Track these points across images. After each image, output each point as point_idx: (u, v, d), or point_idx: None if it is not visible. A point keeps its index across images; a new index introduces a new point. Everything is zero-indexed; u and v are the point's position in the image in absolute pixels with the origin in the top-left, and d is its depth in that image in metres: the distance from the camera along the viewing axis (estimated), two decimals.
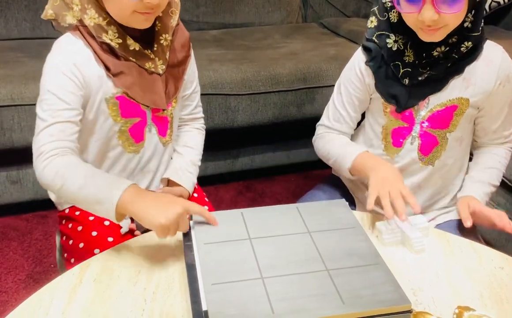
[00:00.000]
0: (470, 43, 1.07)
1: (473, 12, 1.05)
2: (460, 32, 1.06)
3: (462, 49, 1.08)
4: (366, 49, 1.15)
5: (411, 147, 1.16)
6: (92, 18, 1.01)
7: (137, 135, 1.11)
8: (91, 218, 1.12)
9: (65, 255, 1.11)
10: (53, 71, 1.02)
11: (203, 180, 1.34)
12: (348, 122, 1.22)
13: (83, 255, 1.06)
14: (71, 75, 1.01)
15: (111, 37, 1.02)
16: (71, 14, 1.02)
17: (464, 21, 1.05)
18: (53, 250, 1.78)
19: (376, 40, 1.12)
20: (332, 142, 1.22)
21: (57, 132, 0.99)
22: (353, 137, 1.28)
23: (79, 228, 1.12)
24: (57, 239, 1.24)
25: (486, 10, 2.55)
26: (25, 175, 1.90)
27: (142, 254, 0.93)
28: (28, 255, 1.79)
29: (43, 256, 1.79)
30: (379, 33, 1.12)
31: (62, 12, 1.03)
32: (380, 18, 1.12)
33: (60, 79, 1.01)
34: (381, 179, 1.04)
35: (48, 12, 1.04)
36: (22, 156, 1.67)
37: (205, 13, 2.50)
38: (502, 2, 2.57)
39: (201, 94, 1.29)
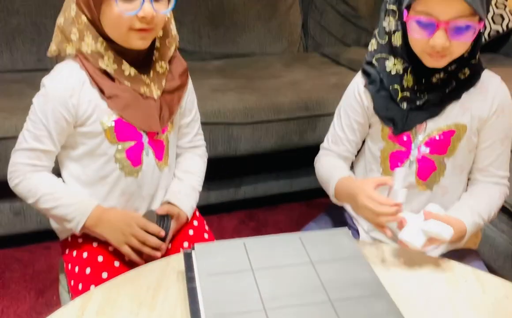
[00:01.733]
0: (468, 71, 1.09)
1: (471, 43, 1.07)
2: (459, 61, 1.08)
3: (460, 76, 1.09)
4: (365, 73, 1.16)
5: (408, 171, 1.16)
6: (89, 45, 1.04)
7: (134, 158, 1.12)
8: (94, 244, 1.14)
9: (72, 282, 1.11)
10: (43, 98, 1.05)
11: (205, 209, 1.34)
12: (346, 144, 1.23)
13: (90, 280, 1.07)
14: (60, 107, 1.04)
15: (106, 63, 1.05)
16: (71, 45, 1.05)
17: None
18: (56, 282, 1.77)
19: (375, 63, 1.14)
20: (322, 166, 1.24)
21: (34, 157, 1.07)
22: (354, 163, 1.29)
23: (84, 254, 1.13)
24: (60, 270, 1.23)
25: (485, 38, 2.57)
26: (28, 206, 1.86)
27: (144, 285, 0.93)
28: (31, 287, 1.78)
29: (45, 287, 1.78)
30: (378, 56, 1.13)
31: (63, 45, 1.06)
32: (379, 41, 1.13)
33: (48, 107, 1.04)
34: (359, 207, 1.05)
35: (52, 48, 1.08)
36: None
37: (208, 44, 2.52)
38: (501, 30, 2.60)
39: (204, 123, 1.31)
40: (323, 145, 1.28)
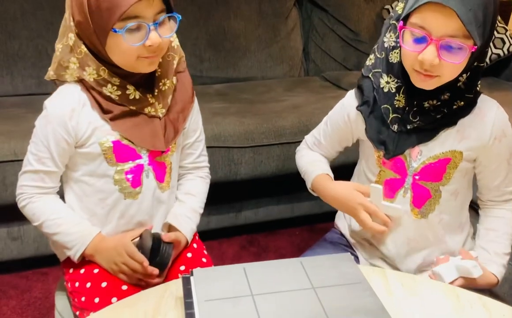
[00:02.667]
0: (462, 103, 1.07)
1: (468, 74, 1.05)
2: (453, 91, 1.06)
3: (454, 107, 1.07)
4: (360, 89, 1.15)
5: (403, 199, 1.14)
6: (91, 74, 1.04)
7: (134, 180, 1.11)
8: (96, 270, 1.12)
9: (76, 300, 1.11)
10: (44, 120, 1.07)
11: (206, 234, 1.32)
12: (324, 151, 1.29)
13: (92, 294, 1.08)
14: (60, 129, 1.05)
15: (110, 90, 1.05)
16: (69, 73, 1.05)
17: (458, 80, 1.05)
18: (52, 309, 1.74)
19: (371, 78, 1.12)
20: (304, 157, 1.30)
21: (38, 179, 1.09)
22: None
23: (82, 271, 1.12)
24: (56, 298, 1.21)
25: (486, 62, 2.57)
26: (26, 231, 1.87)
27: (142, 310, 0.90)
28: (27, 314, 1.74)
29: (42, 315, 1.75)
30: (375, 71, 1.12)
31: (60, 72, 1.06)
32: (378, 55, 1.12)
33: (49, 129, 1.05)
34: (346, 209, 1.17)
35: (50, 73, 1.09)
36: None
37: (209, 68, 2.53)
38: (502, 54, 2.60)
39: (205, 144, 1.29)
40: (307, 139, 1.32)
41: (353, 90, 1.19)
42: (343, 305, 0.84)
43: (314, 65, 2.75)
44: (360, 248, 1.26)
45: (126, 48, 0.99)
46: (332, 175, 1.23)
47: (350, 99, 1.19)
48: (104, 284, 1.09)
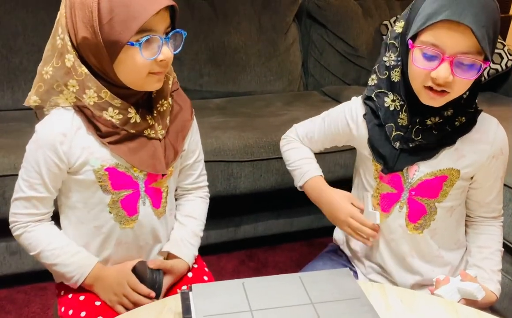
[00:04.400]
0: (464, 118, 1.08)
1: (469, 90, 1.06)
2: (456, 107, 1.06)
3: (456, 123, 1.08)
4: (366, 105, 1.15)
5: (399, 213, 1.15)
6: (91, 97, 0.99)
7: (129, 208, 1.09)
8: (97, 302, 1.10)
9: None
10: (35, 145, 1.02)
11: (205, 249, 1.31)
12: (314, 146, 1.30)
13: None
14: (51, 154, 1.01)
15: (111, 114, 1.01)
16: (64, 97, 1.01)
17: (461, 97, 1.05)
18: None
19: (375, 99, 1.12)
20: (294, 150, 1.30)
21: (31, 206, 1.06)
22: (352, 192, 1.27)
23: (81, 298, 1.10)
24: (54, 313, 1.20)
25: (484, 77, 2.59)
26: None
27: None
28: None
29: None
30: (378, 91, 1.12)
31: (50, 97, 1.01)
32: (380, 76, 1.12)
33: (40, 155, 1.02)
34: (338, 221, 1.18)
35: (31, 98, 1.03)
36: None
37: (208, 82, 2.54)
38: (500, 69, 2.62)
39: (204, 161, 1.28)
40: (298, 130, 1.33)
41: (359, 97, 1.18)
42: None
43: (313, 79, 2.77)
44: (358, 263, 1.26)
45: (139, 62, 0.96)
46: (321, 171, 1.26)
47: (356, 104, 1.18)
48: (98, 303, 1.07)
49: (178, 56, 1.16)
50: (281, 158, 1.99)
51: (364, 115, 1.15)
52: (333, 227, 1.34)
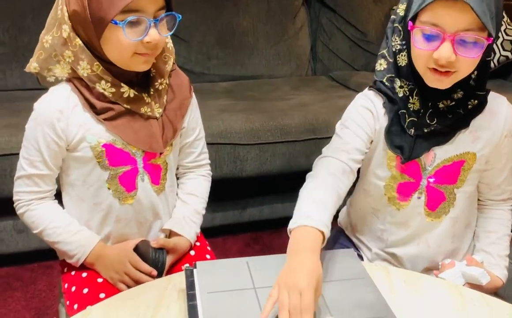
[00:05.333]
0: (476, 101, 1.06)
1: (478, 70, 1.04)
2: (465, 89, 1.05)
3: (469, 106, 1.06)
4: (381, 92, 1.09)
5: (417, 202, 1.13)
6: (85, 68, 1.00)
7: (128, 184, 1.10)
8: (99, 280, 1.11)
9: (68, 302, 1.09)
10: (34, 122, 1.04)
11: (210, 231, 1.31)
12: (355, 153, 1.09)
13: (87, 300, 1.04)
14: (49, 130, 1.02)
15: (104, 87, 1.01)
16: (60, 67, 1.02)
17: (469, 77, 1.04)
18: (56, 302, 1.75)
19: (387, 83, 1.09)
20: (306, 189, 1.06)
21: (32, 184, 1.07)
22: (353, 195, 1.25)
23: (84, 274, 1.11)
24: (59, 291, 1.21)
25: (494, 64, 2.56)
26: None
27: (144, 303, 0.91)
28: (31, 306, 1.76)
29: (46, 307, 1.75)
30: (389, 76, 1.09)
31: (49, 65, 1.02)
32: (390, 60, 1.09)
33: (38, 131, 1.03)
34: (287, 277, 0.84)
35: (32, 65, 1.04)
36: None
37: (216, 65, 2.53)
38: (510, 56, 2.59)
39: (210, 144, 1.28)
40: (325, 153, 1.11)
41: (365, 92, 1.14)
42: (345, 299, 0.84)
43: (322, 64, 2.75)
44: (364, 248, 1.25)
45: (123, 42, 0.96)
46: (328, 231, 0.95)
47: (369, 97, 1.12)
48: (102, 295, 1.07)
49: (186, 39, 1.16)
50: (288, 142, 2.02)
51: (384, 104, 1.10)
52: (337, 214, 1.32)
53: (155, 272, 1.10)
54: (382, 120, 1.10)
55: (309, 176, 1.09)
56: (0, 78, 2.26)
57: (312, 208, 0.97)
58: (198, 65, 2.49)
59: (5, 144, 1.76)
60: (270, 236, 2.22)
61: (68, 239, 1.09)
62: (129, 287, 1.08)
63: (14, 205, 1.11)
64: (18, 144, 1.74)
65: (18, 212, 1.11)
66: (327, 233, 0.93)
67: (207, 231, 1.27)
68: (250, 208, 2.16)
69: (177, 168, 1.23)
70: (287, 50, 2.64)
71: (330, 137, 1.21)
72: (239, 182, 2.03)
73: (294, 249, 0.92)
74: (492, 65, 1.04)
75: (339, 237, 1.30)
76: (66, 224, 1.10)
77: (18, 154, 1.73)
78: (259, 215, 2.18)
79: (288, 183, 2.15)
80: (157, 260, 1.11)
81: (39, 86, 2.39)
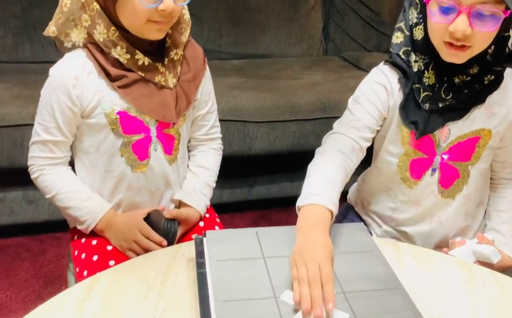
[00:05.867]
0: (493, 76, 1.04)
1: (495, 45, 1.02)
2: (481, 64, 1.03)
3: (485, 82, 1.04)
4: (397, 66, 1.08)
5: (431, 179, 1.12)
6: (101, 33, 1.01)
7: (141, 152, 1.10)
8: (109, 247, 1.12)
9: (77, 269, 1.10)
10: (49, 88, 1.04)
11: (218, 208, 1.31)
12: (366, 131, 1.08)
13: (96, 267, 1.05)
14: (63, 97, 1.02)
15: (119, 52, 1.02)
16: (77, 31, 1.02)
17: (486, 52, 1.02)
18: (65, 272, 1.76)
19: (403, 57, 1.07)
20: (314, 165, 1.04)
21: (47, 150, 1.08)
22: (367, 173, 1.24)
23: (94, 242, 1.12)
24: (68, 259, 1.22)
25: (509, 48, 2.53)
26: (42, 195, 1.87)
27: (153, 270, 0.91)
28: (40, 275, 1.77)
29: (54, 277, 1.77)
30: (405, 49, 1.07)
31: (66, 29, 1.03)
32: (406, 33, 1.08)
33: (53, 99, 1.03)
34: (302, 251, 0.84)
35: (50, 28, 1.04)
36: None
37: (228, 43, 2.52)
38: None
39: (220, 120, 1.27)
40: (336, 129, 1.10)
41: (379, 66, 1.12)
42: (355, 271, 0.84)
43: (334, 45, 2.73)
44: (373, 225, 1.25)
45: (138, 7, 0.96)
46: (336, 209, 0.94)
47: (384, 71, 1.10)
48: (111, 262, 1.07)
49: (197, 15, 1.15)
50: (298, 120, 2.01)
51: (399, 79, 1.08)
52: (347, 191, 1.32)
53: (165, 242, 1.10)
54: (396, 96, 1.09)
55: (318, 152, 1.09)
56: (11, 50, 2.26)
57: (321, 186, 0.97)
58: (209, 42, 2.47)
59: (16, 115, 1.77)
60: (277, 214, 2.22)
61: (80, 205, 1.09)
62: (138, 255, 1.08)
63: (28, 169, 1.11)
64: (29, 115, 1.77)
65: (32, 176, 1.11)
66: (335, 212, 0.94)
67: (215, 208, 1.27)
68: (258, 186, 2.16)
69: (189, 141, 1.23)
70: (299, 29, 2.62)
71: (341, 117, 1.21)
72: (248, 160, 2.03)
73: (304, 225, 0.90)
74: (509, 32, 1.02)
75: (348, 213, 1.30)
76: (78, 190, 1.10)
77: (28, 125, 1.75)
78: (267, 193, 2.18)
79: (297, 162, 2.15)
80: (169, 230, 1.11)
81: (49, 58, 2.40)
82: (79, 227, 1.12)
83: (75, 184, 1.11)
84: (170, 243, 1.12)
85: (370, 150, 1.19)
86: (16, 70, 2.15)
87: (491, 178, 1.18)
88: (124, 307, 0.82)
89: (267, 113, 1.97)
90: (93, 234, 1.12)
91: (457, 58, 0.99)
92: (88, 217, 1.09)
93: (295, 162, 2.14)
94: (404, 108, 1.08)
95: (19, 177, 1.84)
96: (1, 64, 2.22)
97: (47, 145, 1.07)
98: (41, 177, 1.10)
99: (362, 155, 1.10)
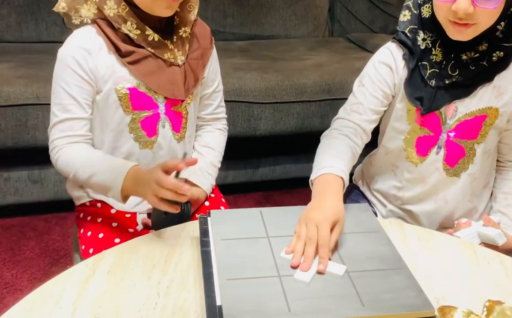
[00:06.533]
0: (502, 53, 1.04)
1: (505, 22, 1.02)
2: (491, 40, 1.02)
3: (493, 58, 1.04)
4: (403, 43, 1.08)
5: (436, 157, 1.12)
6: (111, 8, 1.01)
7: (149, 129, 1.10)
8: (113, 210, 1.13)
9: (83, 247, 1.10)
10: (61, 65, 1.03)
11: (222, 188, 1.32)
12: (368, 114, 1.10)
13: (102, 245, 1.05)
14: (77, 69, 1.02)
15: (129, 28, 1.02)
16: (87, 7, 1.02)
17: (496, 29, 1.01)
18: (70, 251, 1.77)
19: (408, 34, 1.08)
20: (322, 147, 1.08)
21: (67, 128, 1.05)
22: (375, 152, 1.24)
23: (99, 219, 1.12)
24: (74, 237, 1.23)
25: None
26: (47, 175, 1.90)
27: (158, 249, 0.91)
28: (45, 254, 1.79)
29: (60, 256, 1.79)
30: (411, 27, 1.07)
31: (76, 5, 1.03)
32: (414, 11, 1.07)
33: (67, 74, 1.02)
34: (308, 211, 0.88)
35: (60, 4, 1.04)
36: (45, 155, 1.66)
37: (232, 24, 2.50)
38: None
39: (225, 101, 1.27)
40: (340, 114, 1.14)
41: (387, 44, 1.13)
42: (359, 251, 0.84)
43: (339, 26, 2.71)
44: (378, 205, 1.25)
45: None
46: (347, 179, 0.98)
47: (390, 49, 1.11)
48: (117, 240, 1.07)
49: None
50: (303, 101, 2.00)
51: (404, 55, 1.09)
52: (353, 173, 1.32)
53: (186, 188, 0.94)
54: (401, 73, 1.09)
55: (323, 137, 1.13)
56: (15, 29, 2.25)
57: (330, 160, 1.01)
58: (214, 23, 2.46)
59: (20, 94, 1.77)
60: (281, 196, 2.23)
61: (103, 169, 1.02)
62: (169, 202, 0.95)
63: (50, 156, 1.07)
64: (33, 94, 1.77)
65: (53, 160, 1.06)
66: (346, 181, 0.98)
67: (219, 189, 1.28)
68: (262, 167, 2.16)
69: None
70: (305, 10, 2.59)
71: (346, 99, 1.22)
72: (252, 141, 2.03)
73: (318, 192, 0.95)
74: None
75: (351, 192, 1.30)
76: (101, 156, 1.06)
77: (32, 104, 1.76)
78: (271, 174, 2.18)
79: (302, 144, 2.16)
80: (183, 212, 1.10)
81: (54, 38, 2.40)
82: (108, 195, 1.02)
83: (97, 154, 1.07)
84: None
85: (375, 134, 1.21)
86: (20, 50, 2.14)
87: (497, 161, 1.18)
88: (128, 285, 0.83)
89: (271, 94, 1.96)
90: (99, 214, 1.12)
91: (462, 35, 0.99)
92: (114, 176, 1.00)
93: (300, 144, 2.15)
94: (409, 84, 1.08)
95: (23, 157, 1.85)
96: (5, 43, 2.21)
97: (66, 123, 1.04)
98: (61, 157, 1.04)
99: (367, 137, 1.13)
